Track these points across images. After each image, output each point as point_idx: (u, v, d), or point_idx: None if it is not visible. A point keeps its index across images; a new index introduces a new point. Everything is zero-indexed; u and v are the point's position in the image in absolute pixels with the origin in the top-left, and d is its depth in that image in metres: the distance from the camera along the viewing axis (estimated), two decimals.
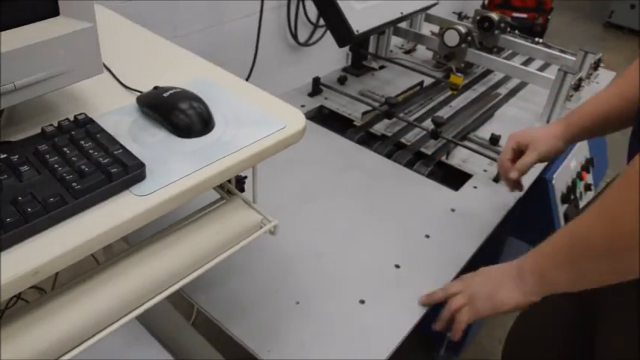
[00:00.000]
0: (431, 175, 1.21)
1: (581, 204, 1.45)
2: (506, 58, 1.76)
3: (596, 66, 1.57)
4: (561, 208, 1.33)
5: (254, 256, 0.93)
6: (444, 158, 1.27)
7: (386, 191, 1.15)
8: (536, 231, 1.35)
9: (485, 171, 1.23)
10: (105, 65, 0.74)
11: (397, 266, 0.95)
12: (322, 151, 1.26)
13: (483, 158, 1.25)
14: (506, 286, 0.76)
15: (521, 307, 0.76)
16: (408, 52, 1.80)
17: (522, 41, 1.68)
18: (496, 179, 1.20)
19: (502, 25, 1.70)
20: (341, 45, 1.36)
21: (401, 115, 1.38)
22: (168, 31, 1.77)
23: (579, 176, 1.42)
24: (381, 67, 1.68)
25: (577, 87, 1.44)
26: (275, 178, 1.14)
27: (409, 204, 1.12)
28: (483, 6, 4.17)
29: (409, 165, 1.23)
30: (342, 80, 1.56)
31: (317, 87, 1.49)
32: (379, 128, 1.36)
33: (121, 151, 0.57)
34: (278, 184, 1.13)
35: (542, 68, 1.75)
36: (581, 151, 1.46)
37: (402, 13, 1.46)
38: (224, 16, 1.95)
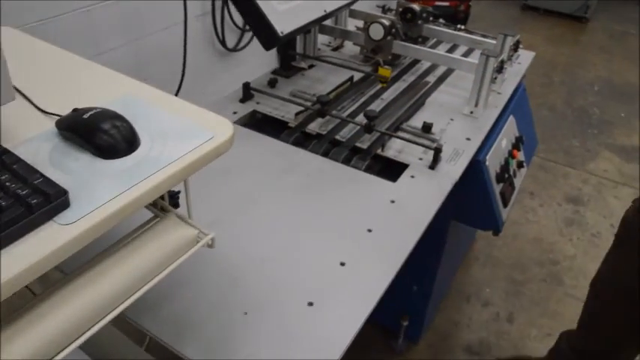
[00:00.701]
0: (368, 169, 1.23)
1: (516, 181, 1.51)
2: (431, 47, 1.80)
3: (515, 47, 1.64)
4: (497, 188, 1.37)
5: (198, 271, 0.92)
6: (379, 151, 1.28)
7: (325, 189, 1.15)
8: (476, 212, 1.40)
9: (420, 159, 1.25)
10: (19, 90, 0.71)
11: (342, 264, 0.96)
12: (259, 156, 1.25)
13: (418, 147, 1.28)
14: None
15: None
16: (335, 49, 1.82)
17: (445, 29, 1.73)
18: (432, 166, 1.22)
19: (424, 15, 1.75)
20: (267, 48, 1.36)
21: (334, 112, 1.39)
22: (91, 48, 1.72)
23: (511, 155, 1.48)
24: (311, 67, 1.68)
25: (500, 69, 1.49)
26: (215, 187, 1.13)
27: (349, 200, 1.13)
28: None
29: (346, 161, 1.24)
30: (272, 83, 1.56)
31: (247, 92, 1.48)
32: (314, 127, 1.37)
33: (41, 180, 0.54)
34: (218, 193, 1.12)
35: (466, 54, 1.80)
36: (510, 129, 1.51)
37: (325, 10, 1.47)
38: (147, 28, 1.91)
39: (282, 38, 1.33)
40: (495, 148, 1.39)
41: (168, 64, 1.97)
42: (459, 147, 1.30)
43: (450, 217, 1.43)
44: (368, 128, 1.29)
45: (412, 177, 1.20)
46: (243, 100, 1.49)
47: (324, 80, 1.60)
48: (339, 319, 0.85)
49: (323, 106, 1.35)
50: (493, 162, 1.36)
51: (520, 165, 1.54)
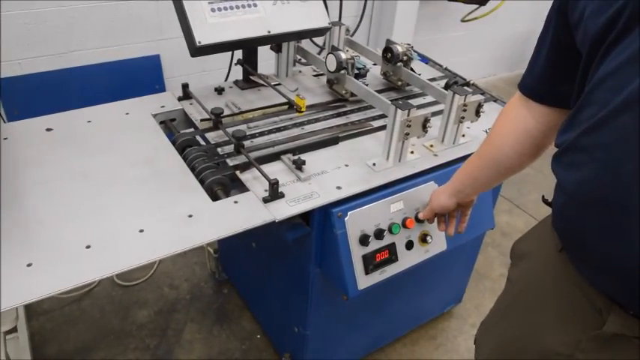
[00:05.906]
0: (216, 184, 1.22)
1: (406, 255, 1.35)
2: (409, 97, 1.70)
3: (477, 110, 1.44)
4: (357, 250, 1.26)
5: None
6: (238, 172, 1.26)
7: (150, 184, 1.18)
8: (330, 267, 1.30)
9: (266, 191, 1.20)
10: None
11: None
12: (138, 144, 1.34)
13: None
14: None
15: None
16: (318, 75, 1.79)
17: (419, 77, 1.62)
18: (266, 199, 1.17)
19: (405, 58, 1.65)
20: (191, 54, 1.40)
21: (228, 129, 1.38)
22: None
23: (403, 223, 1.32)
24: (278, 85, 1.69)
25: (423, 126, 1.33)
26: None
27: (153, 198, 1.15)
28: None
29: (203, 170, 1.24)
30: (219, 90, 1.61)
31: (186, 92, 1.55)
32: (210, 136, 1.40)
33: None
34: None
35: None
36: (420, 196, 1.36)
37: (269, 31, 1.48)
38: None
39: (200, 48, 1.37)
40: (373, 208, 1.27)
41: None
42: (319, 191, 1.22)
43: (313, 264, 1.35)
44: (236, 148, 1.29)
45: (235, 202, 1.17)
46: (181, 99, 1.56)
47: (271, 99, 1.60)
48: None
49: (216, 117, 1.37)
50: (360, 221, 1.25)
51: (424, 239, 1.37)
